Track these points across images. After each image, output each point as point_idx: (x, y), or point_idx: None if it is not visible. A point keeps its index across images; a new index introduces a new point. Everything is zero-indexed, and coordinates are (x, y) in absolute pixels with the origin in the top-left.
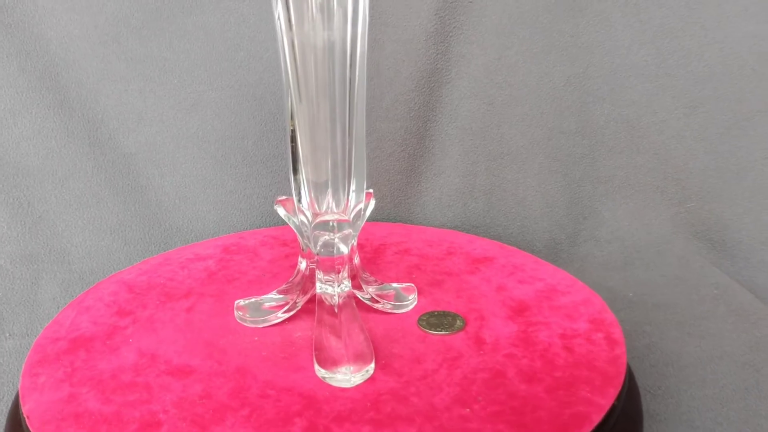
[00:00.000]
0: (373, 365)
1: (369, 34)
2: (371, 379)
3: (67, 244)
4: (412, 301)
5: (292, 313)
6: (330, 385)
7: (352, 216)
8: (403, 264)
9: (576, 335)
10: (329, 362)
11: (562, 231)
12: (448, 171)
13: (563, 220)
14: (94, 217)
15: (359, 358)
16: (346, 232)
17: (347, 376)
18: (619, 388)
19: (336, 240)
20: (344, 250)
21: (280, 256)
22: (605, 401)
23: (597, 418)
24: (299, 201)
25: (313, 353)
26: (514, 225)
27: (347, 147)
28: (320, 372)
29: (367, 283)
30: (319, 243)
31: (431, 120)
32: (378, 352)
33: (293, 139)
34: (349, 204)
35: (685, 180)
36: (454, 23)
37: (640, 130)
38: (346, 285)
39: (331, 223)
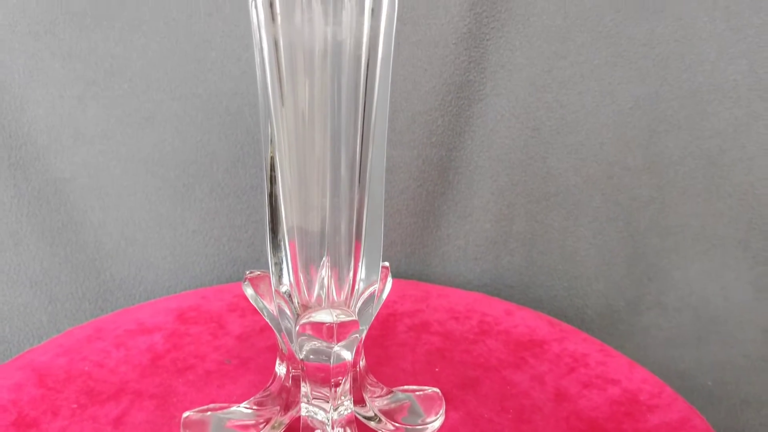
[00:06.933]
0: None
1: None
2: None
3: None
4: (436, 419)
5: None
6: None
7: (359, 305)
8: (422, 348)
9: None
10: None
11: (621, 295)
12: (477, 214)
13: (623, 281)
14: (10, 264)
15: None
16: (351, 338)
17: None
18: None
19: (335, 347)
20: (347, 356)
21: (253, 330)
22: None
23: None
24: (279, 279)
25: None
26: (559, 286)
27: (356, 201)
28: None
29: (372, 393)
30: (307, 348)
31: (457, 148)
32: None
33: (272, 181)
34: (356, 288)
35: None
36: (493, 22)
37: (723, 169)
38: (346, 407)
39: (327, 325)
